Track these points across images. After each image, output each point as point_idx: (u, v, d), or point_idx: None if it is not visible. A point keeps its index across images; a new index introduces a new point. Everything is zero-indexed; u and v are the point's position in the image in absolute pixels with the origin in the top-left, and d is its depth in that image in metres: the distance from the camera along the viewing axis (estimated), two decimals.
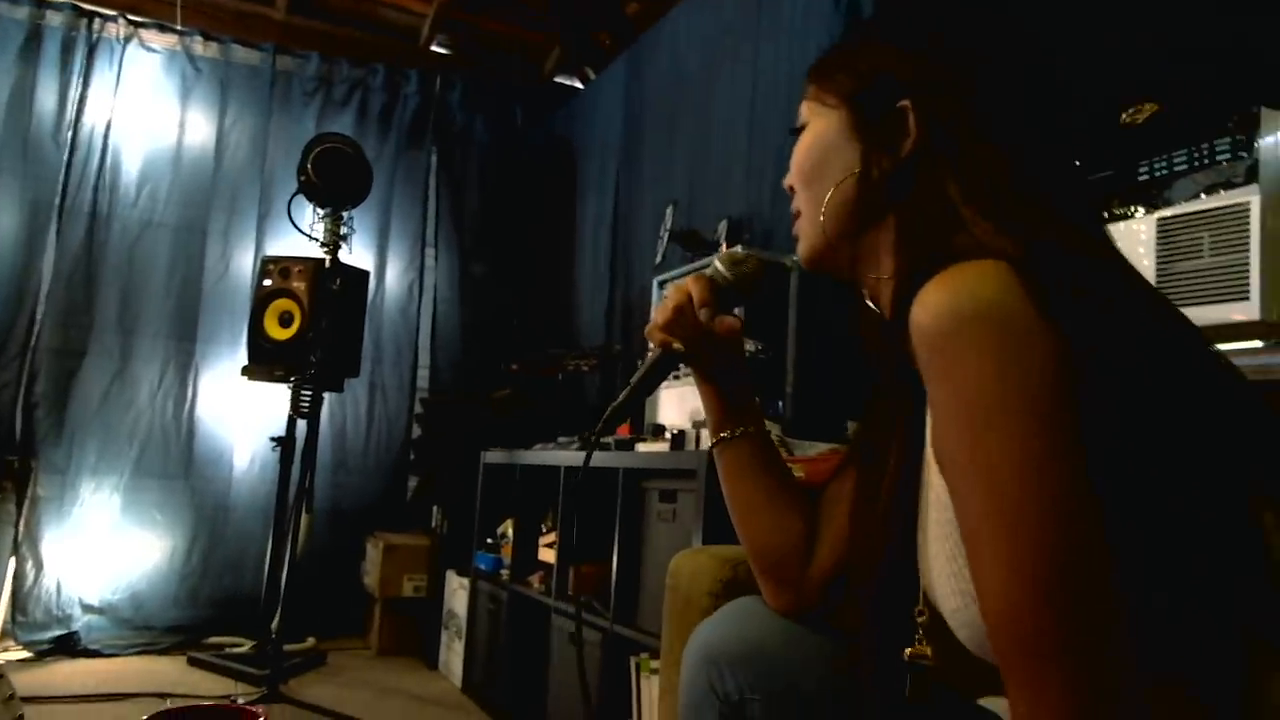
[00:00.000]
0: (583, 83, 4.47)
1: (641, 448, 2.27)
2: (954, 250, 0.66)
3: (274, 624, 2.89)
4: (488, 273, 4.36)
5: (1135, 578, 0.56)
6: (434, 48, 4.42)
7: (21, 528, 3.40)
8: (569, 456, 2.59)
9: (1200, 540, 0.59)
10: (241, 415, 3.79)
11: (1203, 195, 1.37)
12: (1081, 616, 0.55)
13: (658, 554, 2.06)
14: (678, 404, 2.48)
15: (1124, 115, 1.49)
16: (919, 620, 0.78)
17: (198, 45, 3.89)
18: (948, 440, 0.60)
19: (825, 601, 0.90)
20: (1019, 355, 0.56)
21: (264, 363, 3.19)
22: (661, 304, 0.94)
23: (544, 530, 2.86)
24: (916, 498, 0.81)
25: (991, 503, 0.57)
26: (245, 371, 3.23)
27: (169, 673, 3.10)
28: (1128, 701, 0.56)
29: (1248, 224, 1.31)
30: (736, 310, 1.00)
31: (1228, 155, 1.34)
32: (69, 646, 3.30)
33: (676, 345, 0.93)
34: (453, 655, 3.24)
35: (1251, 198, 1.31)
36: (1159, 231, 1.40)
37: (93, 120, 3.68)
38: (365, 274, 3.44)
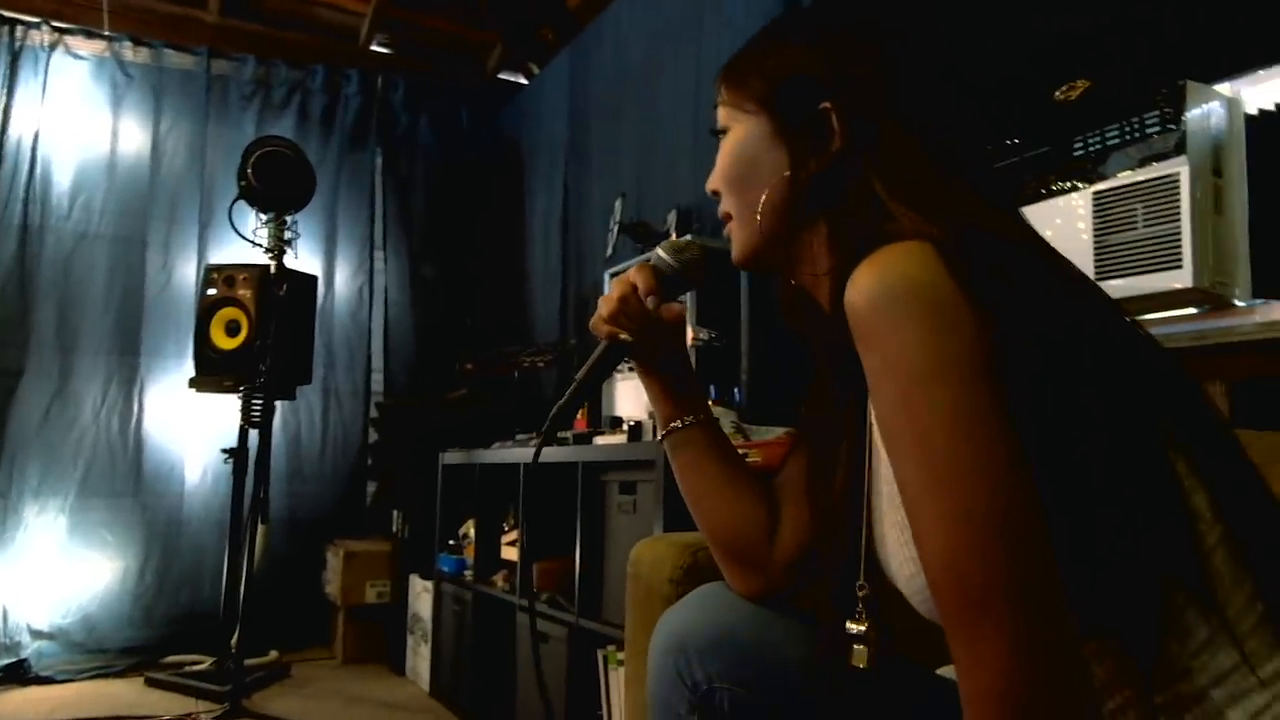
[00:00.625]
0: (527, 78, 4.45)
1: (600, 440, 2.27)
2: (887, 234, 0.68)
3: (234, 639, 2.83)
4: (439, 273, 4.32)
5: (1060, 530, 0.59)
6: (374, 47, 4.36)
7: None
8: (528, 454, 2.58)
9: (1119, 491, 0.62)
10: (191, 428, 3.70)
11: (1135, 168, 1.41)
12: (1016, 566, 0.57)
13: (620, 546, 2.06)
14: (634, 396, 2.48)
15: (1057, 93, 1.52)
16: (859, 594, 0.79)
17: (127, 51, 3.79)
18: (884, 411, 0.63)
19: (792, 582, 0.91)
20: (944, 325, 0.59)
21: (212, 373, 3.12)
22: (605, 296, 0.93)
23: (506, 529, 2.84)
24: (866, 476, 0.82)
25: (925, 463, 0.60)
26: (193, 383, 3.16)
27: (125, 695, 3.02)
28: (1063, 647, 0.58)
29: (1178, 195, 1.34)
30: (681, 299, 1.00)
31: (1157, 129, 1.38)
32: (19, 675, 3.20)
33: (624, 336, 0.92)
34: (419, 660, 3.21)
35: (1180, 169, 1.34)
36: (1094, 205, 1.44)
37: (19, 131, 3.56)
38: (313, 279, 3.38)
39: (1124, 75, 1.50)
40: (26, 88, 3.58)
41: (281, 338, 2.96)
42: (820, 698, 0.85)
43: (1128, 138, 1.42)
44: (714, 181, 0.87)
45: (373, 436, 3.99)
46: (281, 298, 3.02)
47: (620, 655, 1.97)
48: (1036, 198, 1.51)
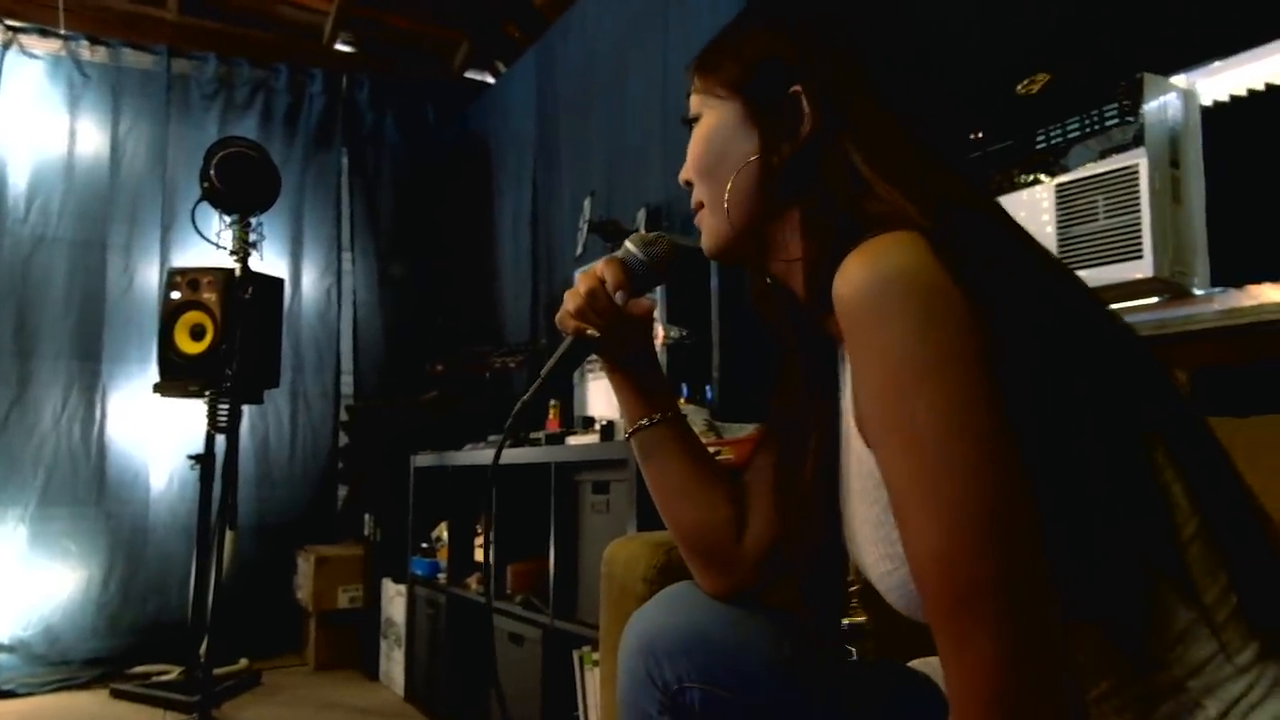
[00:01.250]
0: (494, 76, 4.42)
1: (572, 440, 2.26)
2: (866, 218, 0.68)
3: (202, 647, 2.79)
4: (407, 274, 4.28)
5: (1049, 522, 0.59)
6: (338, 46, 4.31)
7: None
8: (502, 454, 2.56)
9: (1104, 481, 0.62)
10: (156, 434, 3.64)
11: (1096, 160, 1.42)
12: (1006, 562, 0.57)
13: (594, 546, 2.05)
14: (606, 396, 2.47)
15: (1019, 86, 1.54)
16: (853, 589, 0.79)
17: (84, 50, 3.71)
18: (874, 404, 0.62)
19: (761, 579, 0.90)
20: (937, 317, 0.59)
21: (177, 378, 3.06)
22: (572, 291, 0.92)
23: (479, 531, 2.82)
24: (837, 469, 0.82)
25: (918, 458, 0.59)
26: (157, 388, 3.11)
27: (89, 708, 2.97)
28: (1051, 644, 0.58)
29: (1137, 186, 1.36)
30: (650, 295, 0.99)
31: (1116, 121, 1.40)
32: None
33: (591, 331, 0.90)
34: (393, 664, 3.18)
35: (1139, 160, 1.36)
36: (1057, 197, 1.45)
37: None
38: (279, 281, 3.33)
39: (1083, 68, 1.52)
40: None
41: (248, 341, 2.92)
42: (791, 694, 0.85)
43: (1088, 130, 1.44)
44: (686, 171, 0.86)
45: (343, 439, 3.95)
46: (247, 301, 2.97)
47: (596, 656, 1.96)
48: (1001, 191, 1.52)
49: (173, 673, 3.21)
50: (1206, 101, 1.45)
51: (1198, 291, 1.40)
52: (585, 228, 2.90)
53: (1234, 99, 1.43)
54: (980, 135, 1.59)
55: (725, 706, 0.85)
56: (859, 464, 0.72)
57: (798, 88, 0.76)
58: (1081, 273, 1.40)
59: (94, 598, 3.48)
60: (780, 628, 0.87)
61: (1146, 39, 1.50)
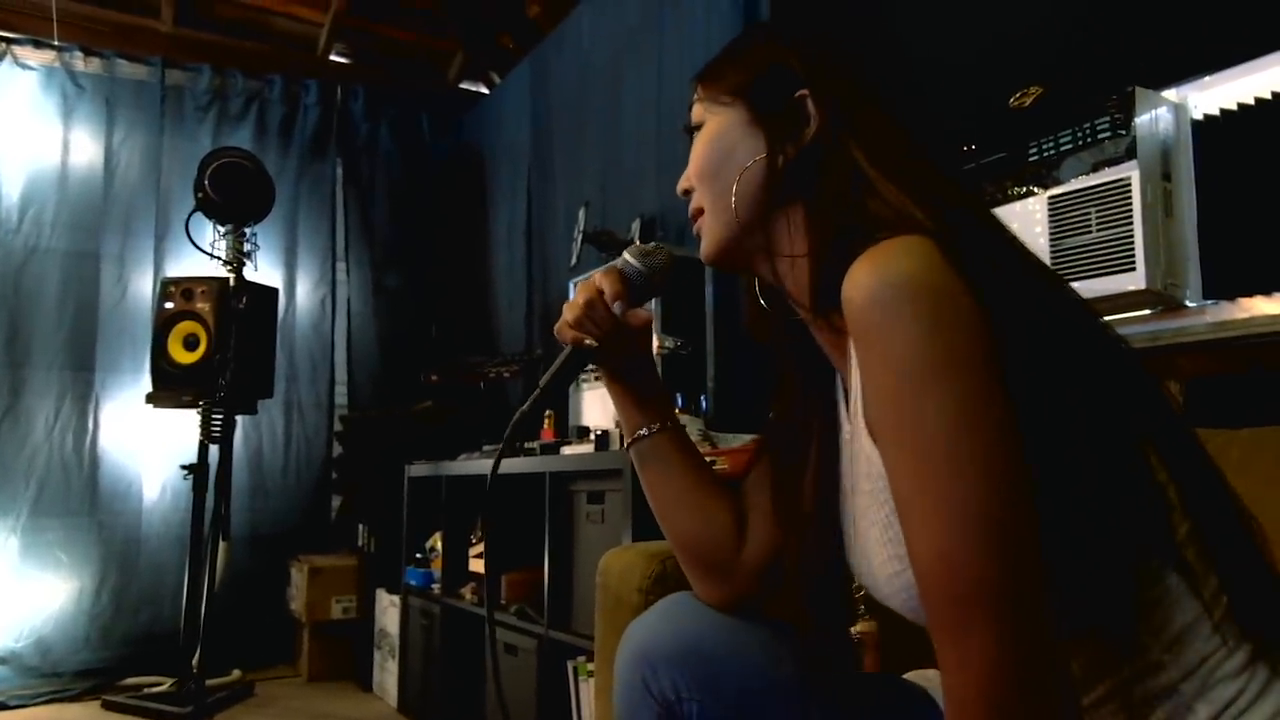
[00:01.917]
0: (489, 87, 4.43)
1: (567, 450, 2.26)
2: (869, 218, 0.69)
3: (195, 658, 2.77)
4: (402, 284, 4.28)
5: (1047, 523, 0.59)
6: (333, 57, 4.31)
7: None
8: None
9: (1104, 483, 0.63)
10: (149, 444, 3.62)
11: (1088, 173, 1.44)
12: (1008, 564, 0.58)
13: (589, 556, 2.05)
14: (601, 405, 2.48)
15: (1012, 99, 1.55)
16: (859, 596, 0.79)
17: (78, 61, 3.71)
18: (883, 405, 0.63)
19: (761, 589, 0.90)
20: (947, 320, 0.59)
21: (170, 388, 3.06)
22: (570, 302, 0.92)
23: (474, 541, 2.82)
24: (837, 477, 0.82)
25: (923, 458, 0.60)
26: (150, 399, 3.10)
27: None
28: (1048, 648, 0.58)
29: (1130, 199, 1.38)
30: (647, 305, 0.98)
31: (1108, 134, 1.41)
32: None
33: (589, 342, 0.90)
34: (387, 675, 3.17)
35: (1132, 173, 1.38)
36: (1050, 209, 1.46)
37: None
38: (274, 291, 3.33)
39: (1075, 82, 1.53)
40: None
41: (242, 351, 2.91)
42: (789, 706, 0.85)
43: (1080, 143, 1.45)
44: (686, 178, 0.86)
45: (337, 450, 3.94)
46: (241, 310, 2.97)
47: (590, 666, 1.96)
48: (994, 203, 1.53)
49: (165, 684, 3.19)
50: (1198, 115, 1.46)
51: (1190, 304, 1.42)
52: (580, 238, 2.90)
53: (1225, 113, 1.44)
54: (973, 148, 1.60)
55: (722, 718, 0.85)
56: (868, 465, 0.72)
57: (803, 91, 0.77)
58: (1074, 285, 1.41)
59: (86, 609, 3.46)
60: (779, 639, 0.87)
61: (1138, 53, 1.51)
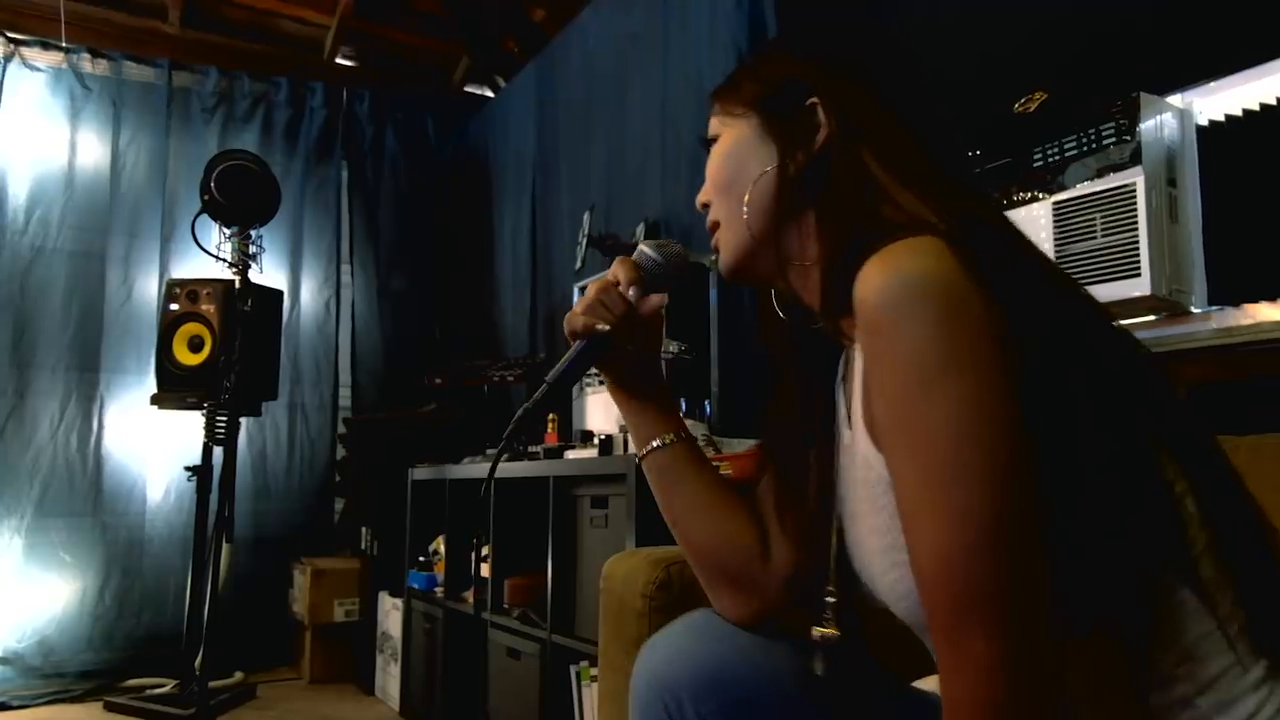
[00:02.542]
0: (494, 91, 4.44)
1: (570, 455, 2.26)
2: (882, 222, 0.69)
3: (198, 660, 2.77)
4: (406, 287, 4.28)
5: (1057, 531, 0.59)
6: (339, 60, 4.33)
7: None
8: (500, 468, 2.56)
9: (1117, 492, 0.62)
10: (153, 446, 3.63)
11: (1093, 178, 1.43)
12: (1010, 570, 0.57)
13: (592, 561, 2.05)
14: (605, 410, 2.48)
15: (1016, 105, 1.55)
16: (828, 600, 0.79)
17: (86, 63, 3.73)
18: (889, 405, 0.62)
19: (790, 599, 0.87)
20: (959, 321, 0.59)
21: (175, 390, 3.06)
22: (582, 297, 0.90)
23: (476, 544, 2.82)
24: (835, 483, 0.82)
25: (929, 460, 0.59)
26: (155, 400, 3.10)
27: None
28: (1046, 656, 0.58)
29: (1135, 204, 1.37)
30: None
31: (1113, 140, 1.41)
32: None
33: (602, 326, 0.87)
34: (389, 679, 3.17)
35: (1137, 179, 1.37)
36: (1054, 215, 1.46)
37: None
38: (278, 294, 3.34)
39: (1080, 87, 1.53)
40: None
41: (246, 353, 2.92)
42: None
43: (1085, 149, 1.45)
44: (704, 192, 0.86)
45: (340, 452, 3.94)
46: (246, 312, 2.98)
47: (594, 671, 1.96)
48: (1000, 208, 1.53)
49: (168, 685, 3.19)
50: (1203, 121, 1.46)
51: (1195, 310, 1.41)
52: (584, 242, 2.90)
53: (1230, 118, 1.44)
54: (978, 153, 1.60)
55: None
56: (867, 470, 0.72)
57: (815, 99, 0.78)
58: None
59: (89, 610, 3.46)
60: (801, 655, 0.84)
61: (1142, 58, 1.51)
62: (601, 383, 2.60)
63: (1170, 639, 0.62)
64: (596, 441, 2.18)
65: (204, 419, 2.95)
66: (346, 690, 3.36)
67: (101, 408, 3.60)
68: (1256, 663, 0.62)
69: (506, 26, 4.09)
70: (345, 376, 4.11)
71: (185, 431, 3.34)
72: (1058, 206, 1.46)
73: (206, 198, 3.07)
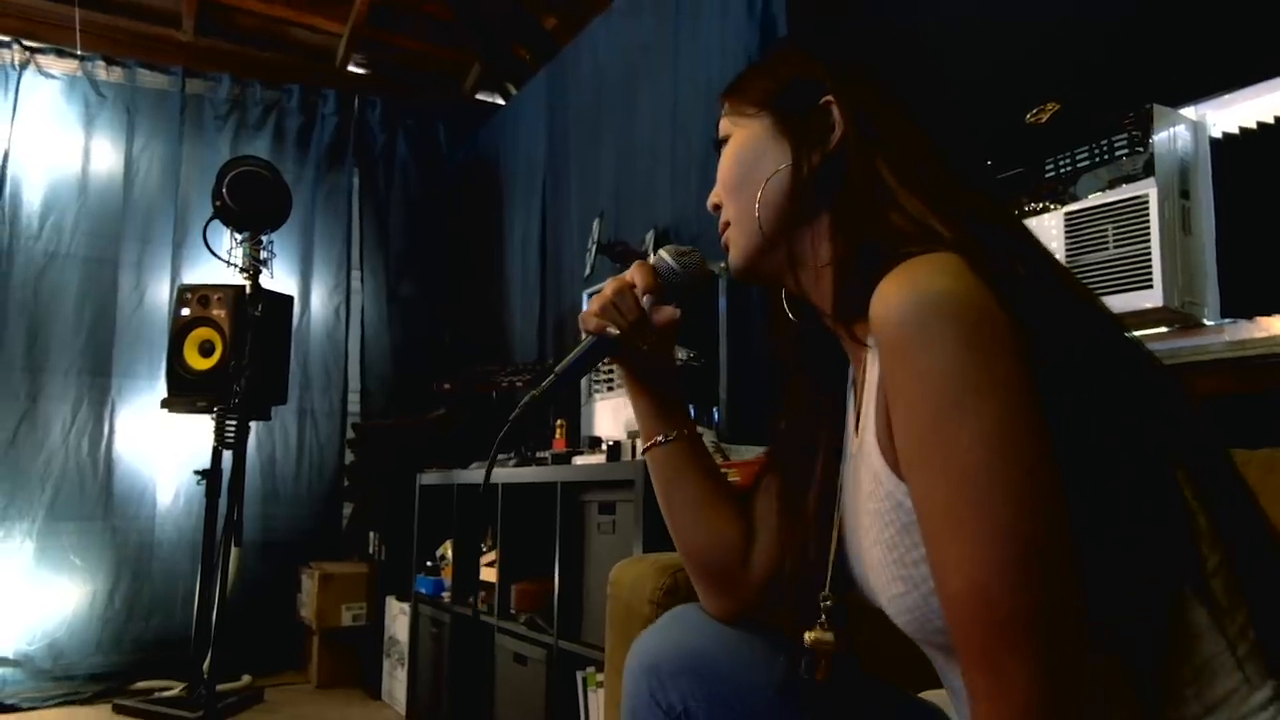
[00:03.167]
0: (505, 99, 4.46)
1: (578, 460, 2.26)
2: (893, 226, 0.69)
3: (206, 663, 2.78)
4: (416, 293, 4.30)
5: (1083, 551, 0.58)
6: (351, 67, 4.35)
7: None
8: (507, 474, 2.56)
9: (1136, 509, 0.62)
10: (164, 450, 3.65)
11: (1105, 190, 1.43)
12: (1046, 594, 0.56)
13: (600, 567, 2.05)
14: (612, 416, 2.48)
15: (1029, 115, 1.55)
16: (823, 605, 0.79)
17: (100, 70, 3.76)
18: (912, 427, 0.61)
19: (766, 602, 0.90)
20: (982, 340, 0.58)
21: (185, 394, 3.08)
22: (598, 294, 0.91)
23: (484, 550, 2.82)
24: (836, 494, 0.82)
25: (958, 483, 0.58)
26: (165, 404, 3.12)
27: None
28: (1083, 681, 0.57)
29: (1148, 216, 1.37)
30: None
31: (1125, 151, 1.41)
32: None
33: (613, 330, 0.88)
34: (395, 683, 3.17)
35: (1149, 190, 1.37)
36: (1066, 226, 1.46)
37: None
38: (289, 299, 3.36)
39: (1092, 98, 1.53)
40: None
41: (256, 358, 2.93)
42: (791, 716, 0.84)
43: (1097, 160, 1.45)
44: (716, 192, 0.86)
45: (349, 457, 3.95)
46: (257, 318, 2.99)
47: (600, 677, 1.95)
48: (1012, 212, 1.53)
49: (176, 689, 3.20)
50: (1216, 133, 1.46)
51: (1207, 322, 1.41)
52: (594, 249, 2.91)
53: (1244, 131, 1.43)
54: (990, 163, 1.60)
55: None
56: (875, 485, 0.71)
57: (829, 98, 0.77)
58: None
59: (99, 613, 3.48)
60: (782, 650, 0.86)
61: (1156, 70, 1.51)
62: (610, 389, 2.61)
63: (1182, 658, 0.62)
64: (605, 447, 2.18)
65: (214, 423, 2.96)
66: (353, 695, 3.36)
67: (113, 412, 3.62)
68: (1264, 683, 0.62)
69: (518, 34, 4.11)
70: (354, 382, 4.12)
71: (195, 436, 3.35)
72: (1070, 217, 1.46)
73: (218, 204, 3.09)
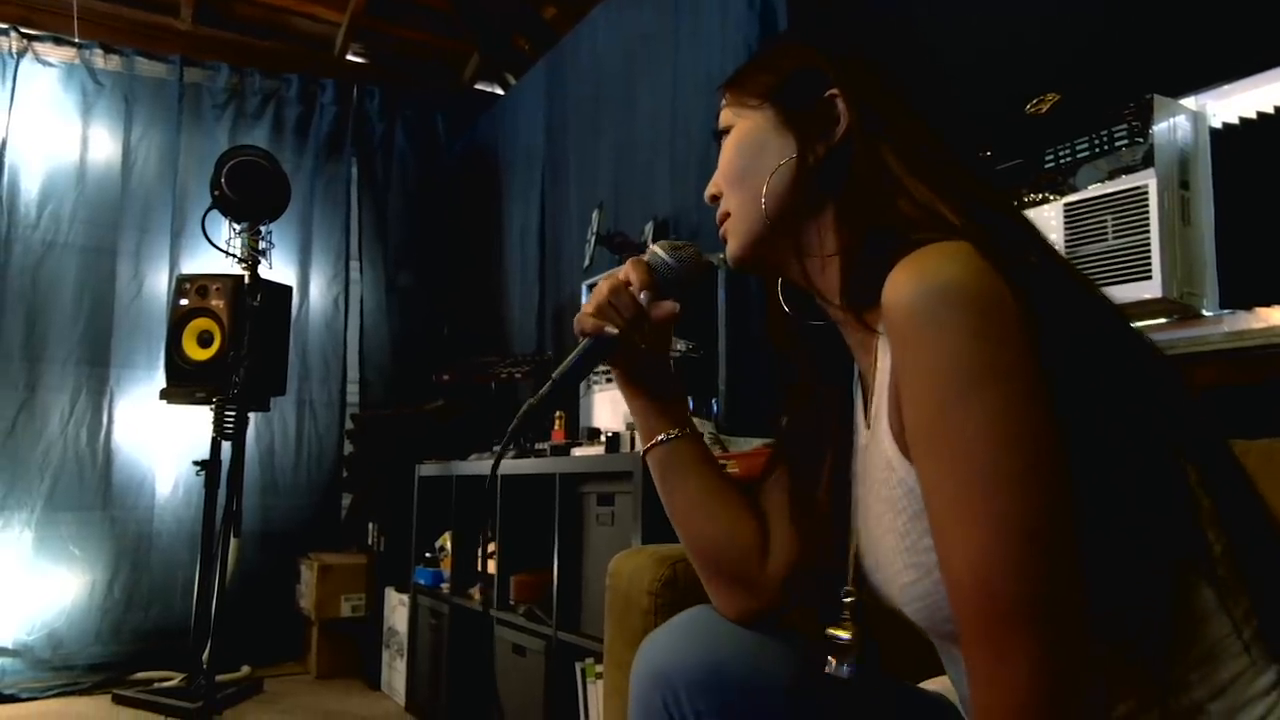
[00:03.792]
0: (504, 89, 4.44)
1: (577, 452, 2.26)
2: (900, 216, 0.69)
3: (205, 654, 2.78)
4: (415, 284, 4.30)
5: (1089, 537, 0.58)
6: (350, 57, 4.34)
7: None
8: (506, 465, 2.57)
9: (1142, 497, 0.62)
10: (163, 440, 3.65)
11: (1105, 180, 1.43)
12: (1049, 581, 0.57)
13: (598, 558, 2.05)
14: (611, 407, 2.48)
15: (1028, 106, 1.54)
16: (846, 600, 0.78)
17: (98, 58, 3.74)
18: (922, 413, 0.61)
19: (786, 600, 0.87)
20: (992, 329, 0.58)
21: (184, 384, 3.07)
22: (594, 291, 0.89)
23: (483, 541, 2.82)
24: (851, 480, 0.82)
25: (965, 469, 0.58)
26: (164, 394, 3.11)
27: (92, 713, 2.97)
28: (1084, 665, 0.57)
29: (1147, 206, 1.37)
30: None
31: (1125, 142, 1.40)
32: None
33: (611, 329, 0.86)
34: (395, 674, 3.18)
35: (1149, 181, 1.37)
36: (1066, 216, 1.46)
37: None
38: (288, 289, 3.35)
39: (1092, 89, 1.52)
40: None
41: (255, 348, 2.92)
42: (806, 717, 0.83)
43: (1097, 150, 1.44)
44: (714, 183, 0.85)
45: (348, 448, 3.95)
46: (255, 308, 2.98)
47: (599, 668, 1.96)
48: (1015, 203, 1.53)
49: (175, 679, 3.20)
50: (1216, 124, 1.45)
51: (1207, 313, 1.41)
52: (593, 239, 2.90)
53: (1244, 121, 1.43)
54: (989, 153, 1.59)
55: None
56: (888, 472, 0.71)
57: (834, 91, 0.77)
58: None
59: (98, 603, 3.49)
60: (801, 655, 0.85)
61: (1156, 61, 1.50)
62: (609, 380, 2.61)
63: (1189, 642, 0.62)
64: (603, 439, 2.18)
65: (213, 414, 2.95)
66: (353, 685, 3.37)
67: (111, 402, 3.61)
68: (1269, 667, 0.63)
69: (517, 24, 4.09)
70: (353, 372, 4.12)
71: (194, 426, 3.34)
72: (1069, 208, 1.46)
73: (217, 193, 3.08)
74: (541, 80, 3.79)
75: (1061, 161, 1.48)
